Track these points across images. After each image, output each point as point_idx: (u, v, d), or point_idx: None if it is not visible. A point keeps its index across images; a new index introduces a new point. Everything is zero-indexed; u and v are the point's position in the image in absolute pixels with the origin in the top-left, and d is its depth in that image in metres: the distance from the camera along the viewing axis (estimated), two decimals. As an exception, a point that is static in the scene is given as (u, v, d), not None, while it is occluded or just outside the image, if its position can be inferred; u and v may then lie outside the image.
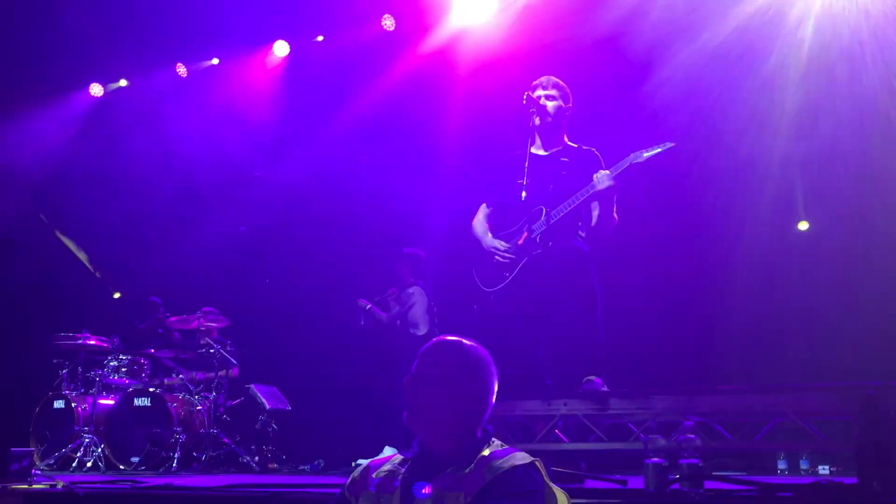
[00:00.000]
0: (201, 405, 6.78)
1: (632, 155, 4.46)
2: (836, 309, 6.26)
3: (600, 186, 4.40)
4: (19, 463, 4.29)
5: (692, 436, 3.19)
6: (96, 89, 8.85)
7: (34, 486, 4.03)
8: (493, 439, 2.21)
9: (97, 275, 7.56)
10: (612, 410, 3.83)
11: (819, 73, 6.34)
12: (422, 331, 6.80)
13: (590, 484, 3.61)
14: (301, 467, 6.74)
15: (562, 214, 4.48)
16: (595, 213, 4.56)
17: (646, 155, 4.43)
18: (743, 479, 3.38)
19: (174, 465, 6.24)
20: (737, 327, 6.37)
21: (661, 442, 3.26)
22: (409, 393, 2.23)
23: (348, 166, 8.27)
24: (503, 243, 4.63)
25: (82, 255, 7.76)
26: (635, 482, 3.33)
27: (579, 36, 6.70)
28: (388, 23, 7.74)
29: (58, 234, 7.59)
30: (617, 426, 3.95)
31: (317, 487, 3.91)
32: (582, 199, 4.46)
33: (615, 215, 4.57)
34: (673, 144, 4.43)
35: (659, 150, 4.44)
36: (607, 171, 4.43)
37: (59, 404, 6.67)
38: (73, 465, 6.24)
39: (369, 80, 7.94)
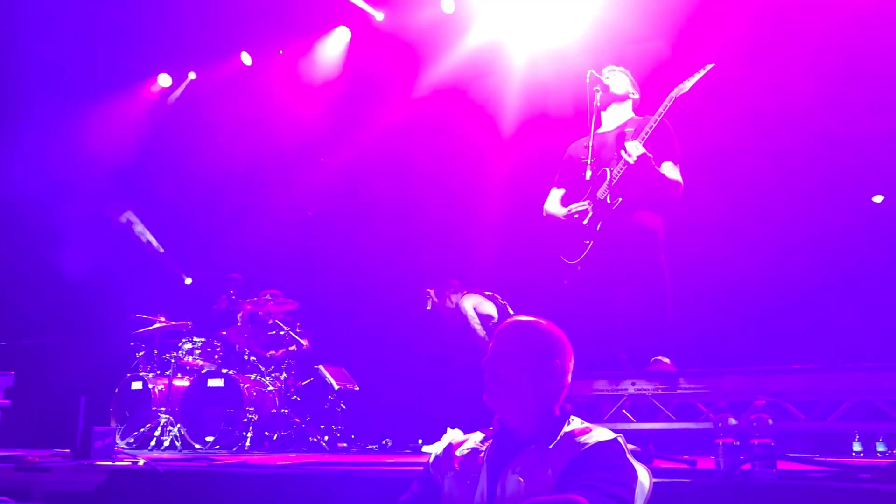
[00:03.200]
0: (272, 386, 6.95)
1: (674, 90, 4.38)
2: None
3: (632, 160, 4.35)
4: (103, 441, 4.47)
5: (764, 415, 3.13)
6: (165, 79, 9.07)
7: (117, 463, 4.19)
8: (572, 417, 2.23)
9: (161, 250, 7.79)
10: (680, 390, 3.81)
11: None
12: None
13: (659, 464, 3.59)
14: (369, 446, 6.86)
15: (618, 177, 4.47)
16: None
17: (688, 84, 4.35)
18: (818, 460, 3.31)
19: (247, 443, 6.41)
20: (810, 304, 6.22)
21: (732, 421, 3.21)
22: (487, 372, 2.26)
23: (410, 150, 8.32)
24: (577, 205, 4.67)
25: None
26: (704, 463, 3.29)
27: (641, 19, 6.60)
28: (448, 5, 7.72)
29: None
30: (686, 406, 3.92)
31: (385, 466, 3.98)
32: (621, 173, 4.44)
33: (674, 178, 4.50)
34: (713, 65, 4.34)
35: (700, 74, 4.35)
36: (635, 141, 4.36)
37: (136, 385, 6.91)
38: (152, 443, 6.47)
39: (429, 64, 7.95)
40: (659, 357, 4.24)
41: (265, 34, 8.57)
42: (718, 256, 6.50)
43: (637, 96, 4.82)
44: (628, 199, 4.48)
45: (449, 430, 6.34)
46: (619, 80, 4.74)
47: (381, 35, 8.35)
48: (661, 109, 4.37)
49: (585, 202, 4.64)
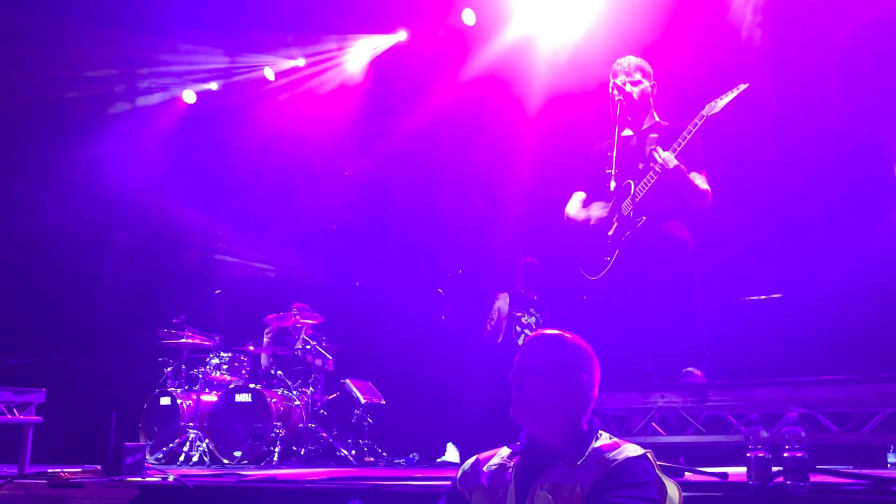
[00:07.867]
0: (299, 400, 6.97)
1: (706, 107, 4.30)
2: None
3: (670, 166, 4.31)
4: (133, 456, 4.50)
5: (796, 427, 3.08)
6: (189, 94, 9.14)
7: (147, 479, 4.21)
8: (601, 432, 2.22)
9: None
10: (710, 403, 3.76)
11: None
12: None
13: (689, 478, 3.55)
14: (396, 460, 6.85)
15: (643, 193, 4.42)
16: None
17: (721, 103, 4.26)
18: (852, 473, 3.25)
19: (275, 458, 6.43)
20: (842, 313, 6.12)
21: (764, 434, 3.16)
22: (514, 387, 2.25)
23: (435, 162, 8.34)
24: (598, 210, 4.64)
25: None
26: (736, 477, 3.25)
27: (663, 20, 6.57)
28: (469, 17, 7.74)
29: None
30: (716, 418, 3.87)
31: (414, 480, 3.97)
32: (652, 181, 4.39)
33: (703, 188, 4.46)
34: (747, 85, 4.24)
35: (734, 94, 4.24)
36: (668, 153, 4.31)
37: (165, 401, 6.96)
38: (180, 458, 6.51)
39: (451, 75, 7.97)
40: (690, 369, 4.19)
41: (288, 46, 8.65)
42: (747, 266, 6.44)
43: (654, 90, 4.78)
44: (653, 214, 4.44)
45: (449, 445, 6.40)
46: (640, 89, 4.70)
47: (404, 47, 8.42)
48: (690, 127, 4.32)
49: (607, 213, 4.61)
